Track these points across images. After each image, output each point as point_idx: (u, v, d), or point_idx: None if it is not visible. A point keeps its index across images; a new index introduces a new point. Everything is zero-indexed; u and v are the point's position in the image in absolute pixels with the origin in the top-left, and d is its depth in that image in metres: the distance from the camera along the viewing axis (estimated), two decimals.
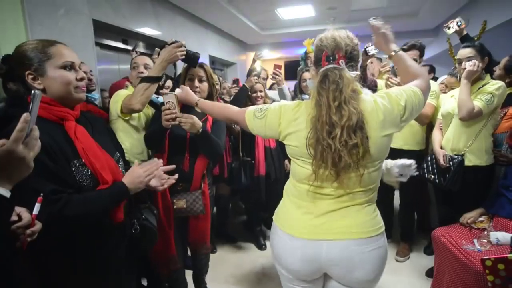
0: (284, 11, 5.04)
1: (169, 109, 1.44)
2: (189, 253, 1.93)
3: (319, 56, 1.02)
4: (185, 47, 1.55)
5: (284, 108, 1.10)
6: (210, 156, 1.66)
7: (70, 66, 0.99)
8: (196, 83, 1.65)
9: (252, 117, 1.16)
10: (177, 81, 1.84)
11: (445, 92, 2.57)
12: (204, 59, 5.17)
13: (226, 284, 2.23)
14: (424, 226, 2.75)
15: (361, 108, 0.95)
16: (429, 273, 2.18)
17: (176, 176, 1.29)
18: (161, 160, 1.18)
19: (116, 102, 1.75)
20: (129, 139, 1.81)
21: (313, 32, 1.10)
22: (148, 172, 1.10)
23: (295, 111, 1.07)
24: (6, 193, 0.64)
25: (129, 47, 3.54)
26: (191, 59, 1.58)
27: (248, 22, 5.48)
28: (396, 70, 2.38)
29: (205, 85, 1.68)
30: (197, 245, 1.80)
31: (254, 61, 2.93)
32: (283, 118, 1.08)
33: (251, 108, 1.18)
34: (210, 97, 1.69)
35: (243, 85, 2.35)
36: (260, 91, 2.38)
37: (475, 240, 1.70)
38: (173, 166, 1.29)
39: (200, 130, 1.49)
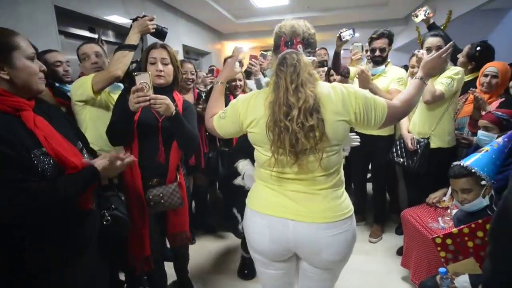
0: None
1: (142, 90, 1.33)
2: (168, 245, 1.91)
3: (278, 43, 1.05)
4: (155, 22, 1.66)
5: (242, 99, 1.13)
6: (186, 144, 1.56)
7: (32, 57, 0.99)
8: (160, 66, 1.51)
9: (217, 120, 1.20)
10: (139, 66, 1.80)
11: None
12: (177, 48, 5.04)
13: (207, 274, 2.25)
14: (395, 208, 2.89)
15: (318, 91, 0.99)
16: (400, 251, 2.30)
17: (134, 157, 1.21)
18: (128, 155, 1.15)
19: (82, 84, 1.66)
20: (101, 126, 1.68)
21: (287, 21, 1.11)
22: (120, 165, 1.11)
23: (253, 99, 1.10)
24: None
25: (97, 36, 3.39)
26: (160, 33, 1.70)
27: (222, 11, 5.38)
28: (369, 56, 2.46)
29: (170, 68, 1.54)
30: (176, 237, 1.72)
31: (233, 54, 2.90)
32: (241, 108, 1.11)
33: (218, 113, 1.21)
34: (175, 81, 1.61)
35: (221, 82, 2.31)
36: (240, 80, 2.35)
37: (439, 218, 1.82)
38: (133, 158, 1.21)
39: (173, 112, 1.41)
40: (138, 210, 1.51)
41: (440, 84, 1.95)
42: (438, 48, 1.97)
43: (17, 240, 0.95)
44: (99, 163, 1.06)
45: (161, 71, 1.51)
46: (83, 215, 1.07)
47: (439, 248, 1.44)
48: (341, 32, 2.32)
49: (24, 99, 0.97)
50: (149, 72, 1.36)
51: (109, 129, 1.48)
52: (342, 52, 2.51)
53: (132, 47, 1.62)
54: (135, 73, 1.35)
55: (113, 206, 1.20)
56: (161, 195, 1.53)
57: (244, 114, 1.10)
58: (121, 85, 1.93)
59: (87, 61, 1.85)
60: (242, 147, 1.87)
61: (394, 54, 7.96)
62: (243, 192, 2.53)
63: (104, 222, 1.14)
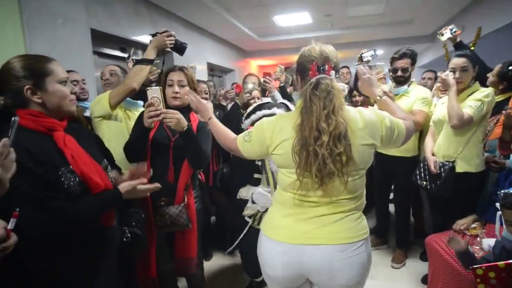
0: (280, 19, 5.10)
1: (153, 104, 1.37)
2: None
3: (307, 66, 1.04)
4: (175, 37, 1.71)
5: (267, 122, 1.15)
6: (195, 161, 1.55)
7: (65, 82, 1.06)
8: (176, 88, 1.56)
9: (242, 142, 1.21)
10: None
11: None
12: (202, 66, 5.22)
13: None
14: (420, 232, 2.75)
15: (346, 117, 1.00)
16: (425, 279, 2.17)
17: (159, 185, 1.26)
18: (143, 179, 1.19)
19: (100, 100, 1.74)
20: (115, 141, 1.71)
21: (311, 38, 1.14)
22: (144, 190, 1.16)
23: (279, 122, 1.10)
24: None
25: (127, 55, 3.59)
26: (179, 48, 1.74)
27: (246, 29, 5.53)
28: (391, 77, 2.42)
29: (186, 89, 1.57)
30: (182, 263, 1.65)
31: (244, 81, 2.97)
32: (267, 132, 1.12)
33: (241, 134, 1.23)
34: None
35: (235, 102, 2.36)
36: (258, 98, 2.40)
37: (468, 247, 1.70)
38: (157, 186, 1.26)
39: (185, 128, 1.43)
40: (147, 229, 1.49)
41: (469, 107, 1.86)
42: (463, 69, 1.92)
43: (39, 253, 0.99)
44: (123, 186, 1.11)
45: (177, 93, 1.56)
46: (106, 231, 1.11)
47: (478, 280, 1.34)
48: (362, 53, 2.31)
49: (56, 119, 1.04)
50: (160, 87, 1.41)
51: (126, 146, 1.52)
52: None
53: (148, 61, 1.69)
54: (147, 88, 1.40)
55: (133, 223, 1.24)
56: (167, 215, 1.52)
57: (270, 137, 1.11)
58: (139, 102, 2.01)
59: (102, 79, 2.00)
60: (242, 164, 1.88)
61: (419, 71, 7.79)
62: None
63: (124, 239, 1.18)
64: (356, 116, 1.04)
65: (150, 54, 1.68)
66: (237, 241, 1.94)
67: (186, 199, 1.56)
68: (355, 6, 4.57)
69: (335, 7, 4.61)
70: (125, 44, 3.52)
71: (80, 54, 2.72)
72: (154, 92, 1.38)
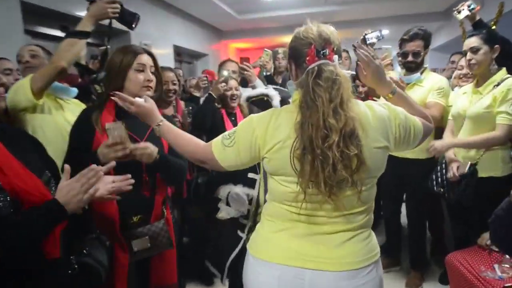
0: None
1: (120, 143, 1.35)
2: None
3: (303, 50, 1.03)
4: (121, 4, 1.63)
5: (257, 118, 1.11)
6: (174, 180, 1.61)
7: None
8: (150, 75, 1.50)
9: (221, 149, 1.14)
10: (102, 62, 1.81)
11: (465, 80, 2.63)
12: (167, 50, 5.17)
13: None
14: (439, 249, 2.82)
15: (356, 111, 0.99)
16: None
17: (132, 180, 1.23)
18: (99, 167, 1.08)
19: (18, 88, 1.62)
20: (54, 138, 1.67)
21: (300, 16, 1.12)
22: (86, 184, 1.04)
23: (274, 118, 1.08)
24: None
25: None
26: (128, 19, 1.69)
27: (222, 5, 5.56)
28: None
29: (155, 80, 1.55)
30: None
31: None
32: (258, 130, 1.08)
33: (217, 139, 1.17)
34: (158, 97, 1.59)
35: (209, 93, 2.33)
36: (236, 89, 2.38)
37: (495, 266, 1.76)
38: (128, 176, 1.24)
39: (157, 157, 1.43)
40: (113, 258, 1.43)
41: (503, 117, 1.94)
42: (473, 50, 2.00)
43: None
44: (59, 188, 1.04)
45: (150, 81, 1.51)
46: (49, 265, 1.03)
47: None
48: (365, 34, 2.34)
49: None
50: (122, 122, 1.38)
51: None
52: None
53: (83, 35, 1.59)
54: (106, 127, 1.36)
55: (85, 251, 1.18)
56: (146, 237, 1.47)
57: (263, 137, 1.08)
58: (72, 89, 1.93)
59: (21, 63, 1.90)
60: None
61: (432, 54, 8.01)
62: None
63: (69, 271, 1.12)
64: (367, 112, 1.04)
65: (86, 25, 1.59)
66: (227, 264, 1.95)
67: (165, 213, 1.56)
68: None
69: None
70: (68, 21, 3.42)
71: (8, 34, 2.63)
72: (116, 129, 1.35)
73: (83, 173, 1.05)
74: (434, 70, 6.51)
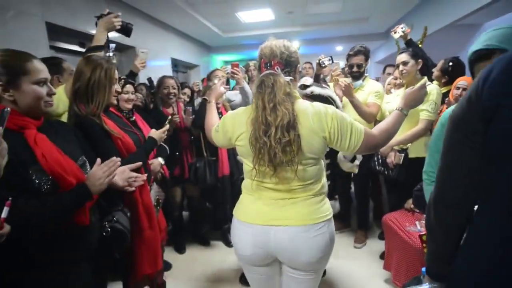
0: (244, 15, 5.16)
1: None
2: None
3: (259, 64, 1.15)
4: (120, 18, 1.70)
5: (229, 116, 1.24)
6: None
7: (43, 82, 1.04)
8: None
9: (214, 132, 1.31)
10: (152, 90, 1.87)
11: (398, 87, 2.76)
12: (166, 62, 5.13)
13: (196, 282, 2.28)
14: (379, 214, 2.99)
15: (296, 108, 1.07)
16: (383, 255, 2.39)
17: (145, 176, 1.33)
18: (118, 159, 1.15)
19: (57, 98, 1.58)
20: None
21: (273, 35, 1.21)
22: (107, 172, 1.10)
23: (239, 116, 1.19)
24: None
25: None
26: (126, 29, 1.76)
27: (210, 25, 5.52)
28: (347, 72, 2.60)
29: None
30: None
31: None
32: (229, 125, 1.21)
33: (215, 126, 1.33)
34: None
35: (204, 98, 2.40)
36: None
37: (417, 222, 1.93)
38: (138, 164, 1.33)
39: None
40: (136, 229, 1.45)
41: (426, 113, 2.11)
42: (404, 63, 2.13)
43: (10, 252, 0.96)
44: (88, 174, 1.08)
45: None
46: (80, 229, 1.09)
47: (424, 245, 1.52)
48: (319, 59, 2.48)
49: (30, 117, 1.02)
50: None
51: None
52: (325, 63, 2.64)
53: (99, 48, 1.62)
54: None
55: (115, 218, 1.24)
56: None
57: (232, 130, 1.19)
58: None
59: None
60: None
61: (375, 66, 8.26)
62: (227, 204, 2.63)
63: (104, 234, 1.18)
64: (308, 108, 1.09)
65: (101, 38, 1.62)
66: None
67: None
68: (315, 4, 4.76)
69: (296, 4, 4.77)
70: (84, 38, 3.37)
71: (36, 49, 2.57)
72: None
73: (106, 163, 1.12)
74: (378, 79, 6.71)
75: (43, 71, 1.04)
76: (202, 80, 3.21)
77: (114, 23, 1.66)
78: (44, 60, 1.11)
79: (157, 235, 1.54)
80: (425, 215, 1.29)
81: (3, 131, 0.75)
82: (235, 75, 2.50)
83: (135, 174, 1.31)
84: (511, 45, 0.92)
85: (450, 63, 2.56)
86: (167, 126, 1.71)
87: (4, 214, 0.79)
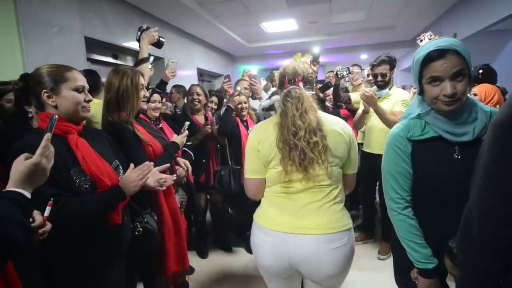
0: (268, 25, 5.27)
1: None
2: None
3: (283, 80, 1.26)
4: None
5: (252, 133, 1.28)
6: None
7: (81, 89, 1.15)
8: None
9: (247, 175, 1.31)
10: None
11: None
12: (192, 72, 5.33)
13: (217, 287, 2.32)
14: None
15: (318, 116, 1.17)
16: None
17: (175, 176, 1.41)
18: (151, 163, 1.25)
19: (98, 105, 1.71)
20: None
21: (297, 44, 1.34)
22: (140, 175, 1.19)
23: (264, 123, 1.27)
24: (29, 195, 0.77)
25: (119, 62, 3.66)
26: (158, 42, 1.94)
27: (234, 36, 5.68)
28: (369, 80, 2.59)
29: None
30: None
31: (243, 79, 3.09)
32: (254, 140, 1.23)
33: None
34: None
35: (228, 105, 2.48)
36: (245, 102, 2.54)
37: None
38: (167, 165, 1.40)
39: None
40: (165, 230, 1.57)
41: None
42: None
43: (48, 250, 1.05)
44: (123, 177, 1.18)
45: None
46: (114, 229, 1.18)
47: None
48: (337, 70, 2.50)
49: (72, 123, 1.13)
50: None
51: None
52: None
53: (145, 60, 1.81)
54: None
55: (145, 220, 1.33)
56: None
57: (257, 139, 1.22)
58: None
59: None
60: None
61: (402, 74, 8.09)
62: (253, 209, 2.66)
63: (136, 233, 1.27)
64: (327, 116, 1.23)
65: (146, 51, 1.82)
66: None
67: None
68: (339, 13, 4.78)
69: (320, 14, 4.81)
70: (117, 51, 3.60)
71: (75, 61, 2.79)
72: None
73: (140, 167, 1.21)
74: (404, 87, 6.54)
75: (81, 80, 1.15)
76: (228, 76, 3.23)
77: (154, 36, 1.84)
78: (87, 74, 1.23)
79: (183, 235, 1.63)
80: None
81: (51, 136, 0.83)
82: (253, 86, 2.58)
83: (164, 175, 1.40)
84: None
85: (480, 70, 2.48)
86: (186, 132, 1.80)
87: (46, 213, 0.87)
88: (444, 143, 1.01)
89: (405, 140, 1.07)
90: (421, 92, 1.04)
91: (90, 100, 1.17)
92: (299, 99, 1.17)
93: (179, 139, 1.76)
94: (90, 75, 1.89)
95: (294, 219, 1.16)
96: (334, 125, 1.19)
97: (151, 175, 1.30)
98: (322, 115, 1.21)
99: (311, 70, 1.30)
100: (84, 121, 1.24)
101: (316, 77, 3.28)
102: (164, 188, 1.39)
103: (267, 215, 1.22)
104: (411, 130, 1.06)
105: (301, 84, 1.23)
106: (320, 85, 2.61)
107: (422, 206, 1.07)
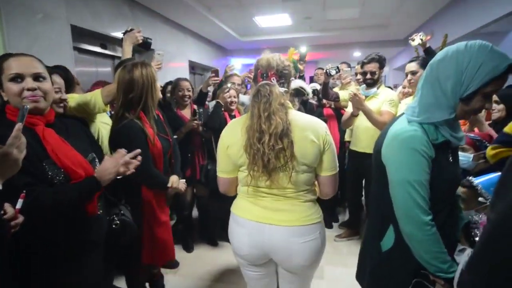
0: (261, 20, 5.23)
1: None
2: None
3: (256, 74, 1.19)
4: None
5: (223, 133, 1.25)
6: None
7: (18, 78, 1.04)
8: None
9: (218, 174, 1.30)
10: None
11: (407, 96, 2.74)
12: (183, 64, 5.26)
13: (201, 281, 2.33)
14: None
15: (289, 118, 1.11)
16: None
17: (140, 158, 1.28)
18: (124, 150, 1.24)
19: (96, 97, 1.69)
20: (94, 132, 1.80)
21: (290, 39, 1.26)
22: (114, 163, 1.18)
23: (234, 124, 1.23)
24: (0, 187, 0.75)
25: (107, 52, 3.59)
26: (145, 43, 1.93)
27: (227, 28, 5.63)
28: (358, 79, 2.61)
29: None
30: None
31: (225, 75, 3.06)
32: (225, 139, 1.22)
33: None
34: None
35: (217, 101, 2.47)
36: (234, 97, 2.54)
37: None
38: (138, 151, 1.30)
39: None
40: (145, 222, 1.58)
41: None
42: (412, 72, 2.13)
43: (24, 241, 1.03)
44: (99, 167, 1.17)
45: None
46: (90, 220, 1.17)
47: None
48: (327, 69, 2.51)
49: (36, 114, 1.09)
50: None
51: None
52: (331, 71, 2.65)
53: (130, 60, 1.74)
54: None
55: (121, 212, 1.31)
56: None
57: (226, 140, 1.21)
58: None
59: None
60: None
61: (394, 73, 8.15)
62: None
63: (113, 226, 1.26)
64: (300, 118, 1.15)
65: (129, 52, 1.80)
66: None
67: None
68: (333, 9, 4.77)
69: (314, 10, 4.80)
70: (106, 40, 3.52)
71: (60, 50, 2.72)
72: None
73: (114, 156, 1.20)
74: (396, 86, 6.59)
75: (15, 67, 1.03)
76: (216, 72, 3.16)
77: (138, 38, 1.83)
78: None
79: (168, 226, 1.67)
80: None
81: (22, 127, 0.81)
82: (249, 79, 2.55)
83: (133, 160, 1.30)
84: None
85: None
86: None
87: (18, 205, 0.86)
88: (445, 147, 1.01)
89: (430, 144, 0.98)
90: (467, 99, 0.94)
91: (30, 89, 1.05)
92: (268, 99, 1.10)
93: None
94: (64, 72, 1.84)
95: (264, 212, 1.18)
96: (305, 130, 1.11)
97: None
98: (295, 117, 1.14)
99: (287, 62, 1.20)
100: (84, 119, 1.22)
101: (303, 75, 3.29)
102: (132, 171, 1.29)
103: (242, 205, 1.25)
104: (430, 134, 0.99)
105: (273, 79, 1.15)
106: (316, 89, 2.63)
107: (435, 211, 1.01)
